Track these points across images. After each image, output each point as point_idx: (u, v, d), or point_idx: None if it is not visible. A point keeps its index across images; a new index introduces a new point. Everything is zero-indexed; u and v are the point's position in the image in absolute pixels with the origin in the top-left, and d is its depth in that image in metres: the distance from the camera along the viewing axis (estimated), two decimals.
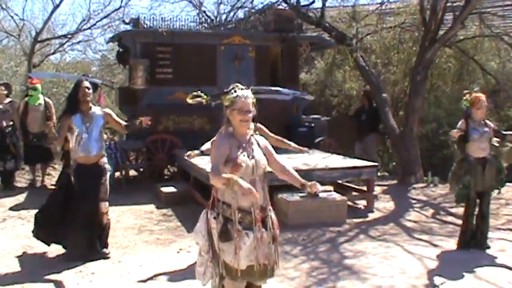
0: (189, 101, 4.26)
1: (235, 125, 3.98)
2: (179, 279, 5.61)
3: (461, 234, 6.92)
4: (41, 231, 6.49)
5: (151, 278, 5.74)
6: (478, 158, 6.62)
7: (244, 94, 3.97)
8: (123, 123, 6.70)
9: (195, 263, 4.22)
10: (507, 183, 10.26)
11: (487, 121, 6.79)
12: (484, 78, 13.26)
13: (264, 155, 4.11)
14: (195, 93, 4.26)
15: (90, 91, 6.32)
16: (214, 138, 4.18)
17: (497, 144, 6.96)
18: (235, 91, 3.98)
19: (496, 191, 7.08)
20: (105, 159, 6.46)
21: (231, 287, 4.07)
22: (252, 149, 4.02)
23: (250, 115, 3.98)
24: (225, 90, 4.05)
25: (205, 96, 4.24)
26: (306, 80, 15.96)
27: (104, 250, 6.49)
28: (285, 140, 6.24)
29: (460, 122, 6.71)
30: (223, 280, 4.01)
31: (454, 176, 6.80)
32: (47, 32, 16.31)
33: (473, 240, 6.81)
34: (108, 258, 6.42)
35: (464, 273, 5.93)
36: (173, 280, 5.65)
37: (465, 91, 6.99)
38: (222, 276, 3.98)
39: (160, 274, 5.84)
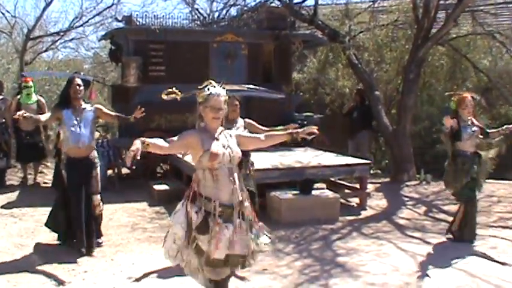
0: (164, 97, 4.43)
1: (208, 121, 4.21)
2: (171, 277, 5.59)
3: (455, 227, 7.11)
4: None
5: (144, 276, 5.74)
6: (472, 152, 6.94)
7: (217, 92, 4.16)
8: (114, 114, 6.96)
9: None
10: (499, 181, 10.39)
11: (474, 120, 7.03)
12: (476, 76, 13.30)
13: (239, 144, 4.34)
14: (170, 89, 4.40)
15: (82, 88, 6.53)
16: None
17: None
18: (208, 89, 4.16)
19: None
20: (95, 153, 6.65)
21: (212, 275, 4.28)
22: (227, 140, 4.23)
23: (222, 112, 4.20)
24: (199, 87, 4.22)
25: (179, 93, 4.38)
26: (298, 78, 15.94)
27: (98, 240, 6.67)
28: (274, 129, 6.30)
29: (445, 119, 6.94)
30: (205, 269, 4.23)
31: (459, 171, 6.85)
32: (39, 29, 16.20)
33: (467, 234, 7.03)
34: (101, 246, 6.63)
35: (457, 271, 5.96)
36: (165, 277, 5.64)
37: (447, 93, 7.44)
38: (202, 267, 4.22)
39: (153, 272, 5.84)
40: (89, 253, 6.39)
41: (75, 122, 6.39)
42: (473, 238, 7.01)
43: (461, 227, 7.05)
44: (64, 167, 6.55)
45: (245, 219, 4.26)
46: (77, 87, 6.45)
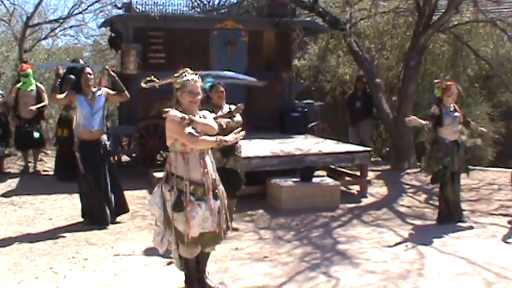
0: (143, 85, 4.58)
1: (185, 106, 4.43)
2: (172, 264, 5.59)
3: (441, 210, 7.40)
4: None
5: (144, 264, 5.73)
6: (452, 140, 7.17)
7: (194, 78, 4.44)
8: (116, 92, 7.41)
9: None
10: (500, 169, 10.37)
11: (457, 107, 7.30)
12: (477, 64, 13.24)
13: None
14: (148, 78, 4.62)
15: (92, 76, 7.16)
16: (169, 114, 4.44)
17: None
18: (185, 75, 4.42)
19: (465, 174, 7.62)
20: (105, 137, 7.29)
21: (185, 253, 4.59)
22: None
23: (199, 97, 4.45)
24: (175, 75, 4.47)
25: (157, 80, 4.60)
26: (299, 65, 15.88)
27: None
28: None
29: (432, 108, 7.23)
30: (179, 247, 4.54)
31: (432, 158, 7.24)
32: (38, 16, 16.10)
33: (455, 215, 7.33)
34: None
35: (457, 259, 5.96)
36: (166, 265, 5.64)
37: (436, 80, 7.65)
38: (178, 244, 4.51)
39: (153, 259, 5.83)
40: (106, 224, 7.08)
41: (87, 108, 7.00)
42: (461, 219, 7.32)
43: (441, 211, 7.37)
44: (77, 149, 7.03)
45: (218, 199, 4.53)
46: (88, 76, 7.08)
